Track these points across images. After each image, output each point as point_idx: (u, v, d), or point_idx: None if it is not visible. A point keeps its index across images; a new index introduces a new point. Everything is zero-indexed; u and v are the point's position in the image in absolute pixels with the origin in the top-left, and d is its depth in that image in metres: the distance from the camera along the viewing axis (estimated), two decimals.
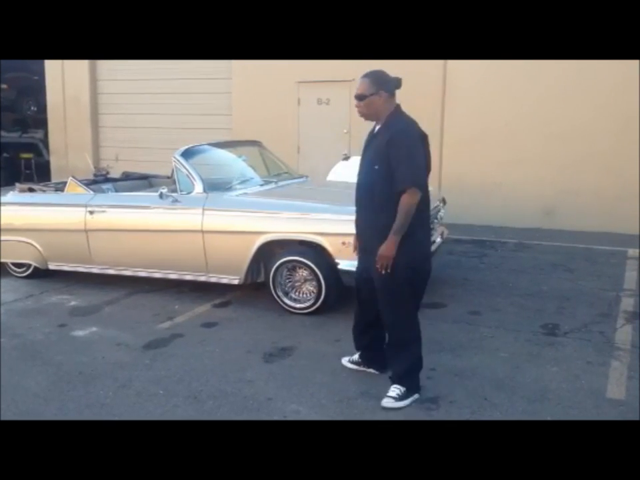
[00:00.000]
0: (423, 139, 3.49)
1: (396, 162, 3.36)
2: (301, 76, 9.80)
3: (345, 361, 4.06)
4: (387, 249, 3.37)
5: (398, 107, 3.54)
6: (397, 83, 3.53)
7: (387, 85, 3.49)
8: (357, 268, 3.78)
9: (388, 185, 3.39)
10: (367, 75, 3.55)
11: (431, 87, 9.03)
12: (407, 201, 3.34)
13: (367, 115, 3.56)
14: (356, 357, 4.01)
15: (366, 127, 3.69)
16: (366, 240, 3.60)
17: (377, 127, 3.57)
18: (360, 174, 3.61)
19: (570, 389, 3.71)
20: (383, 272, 3.39)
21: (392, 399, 3.52)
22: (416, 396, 3.58)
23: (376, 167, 3.44)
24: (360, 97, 3.52)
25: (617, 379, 3.81)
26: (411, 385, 3.59)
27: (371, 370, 3.94)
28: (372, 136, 3.59)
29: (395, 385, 3.57)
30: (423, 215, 3.52)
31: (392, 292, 3.50)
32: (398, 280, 3.45)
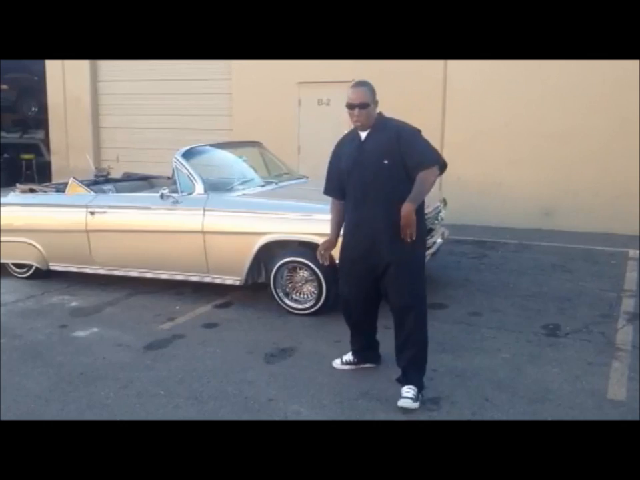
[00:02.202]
0: None
1: (413, 147, 3.41)
2: (301, 76, 9.80)
3: (337, 364, 4.03)
4: (409, 211, 3.25)
5: (380, 113, 3.61)
6: None
7: (376, 94, 3.57)
8: (356, 269, 3.63)
9: (399, 180, 3.41)
10: (363, 84, 3.56)
11: (431, 87, 9.04)
12: (428, 175, 3.36)
13: (364, 125, 3.53)
14: (349, 357, 3.99)
15: None
16: (375, 235, 3.49)
17: (364, 133, 3.55)
18: (363, 173, 3.51)
19: (571, 389, 3.70)
20: (409, 240, 3.30)
21: (410, 399, 3.47)
22: (421, 395, 3.58)
23: (385, 162, 3.42)
24: (363, 106, 3.48)
25: (618, 380, 3.81)
26: (422, 385, 3.60)
27: (368, 365, 3.96)
28: (361, 142, 3.55)
29: (409, 386, 3.53)
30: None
31: (415, 275, 3.51)
32: (420, 258, 3.54)
